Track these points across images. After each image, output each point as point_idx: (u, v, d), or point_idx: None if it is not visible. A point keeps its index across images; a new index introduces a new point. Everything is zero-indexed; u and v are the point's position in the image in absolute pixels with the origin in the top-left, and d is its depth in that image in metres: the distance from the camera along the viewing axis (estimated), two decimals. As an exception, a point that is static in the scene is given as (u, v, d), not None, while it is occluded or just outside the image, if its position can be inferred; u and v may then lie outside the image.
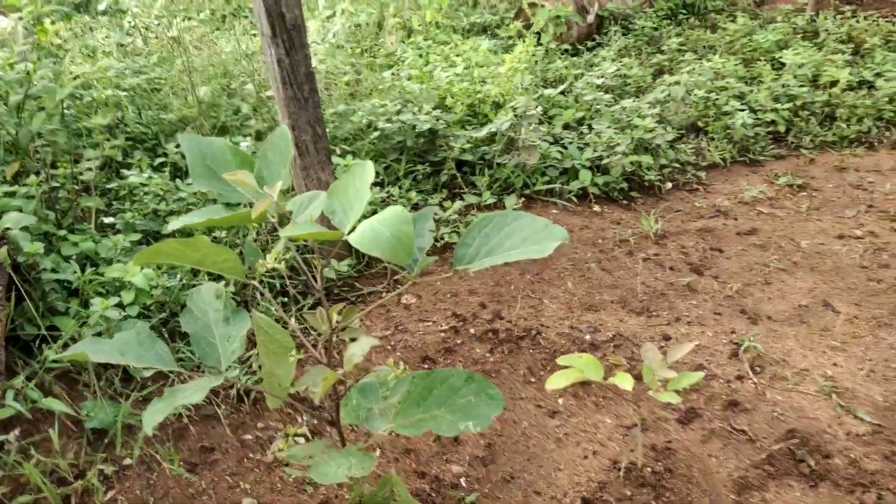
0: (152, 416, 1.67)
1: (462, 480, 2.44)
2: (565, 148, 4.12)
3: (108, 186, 3.59)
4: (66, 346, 2.59)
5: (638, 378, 2.89)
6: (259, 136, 3.86)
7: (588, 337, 3.02)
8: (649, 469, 2.48)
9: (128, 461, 2.43)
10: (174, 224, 1.74)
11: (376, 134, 3.83)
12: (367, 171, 1.65)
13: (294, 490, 2.40)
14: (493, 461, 2.54)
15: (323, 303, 1.88)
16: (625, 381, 2.31)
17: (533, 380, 2.90)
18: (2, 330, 2.48)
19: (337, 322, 1.95)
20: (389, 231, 1.52)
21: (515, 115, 3.74)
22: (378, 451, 2.60)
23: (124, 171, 3.59)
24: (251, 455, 2.53)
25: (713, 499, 2.31)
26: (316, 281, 1.84)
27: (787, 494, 2.30)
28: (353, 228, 1.54)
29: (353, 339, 2.06)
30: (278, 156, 1.86)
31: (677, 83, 4.46)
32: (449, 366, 2.94)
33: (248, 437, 2.63)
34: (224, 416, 2.67)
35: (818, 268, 3.52)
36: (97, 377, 2.62)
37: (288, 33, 2.99)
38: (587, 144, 4.17)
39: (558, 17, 5.77)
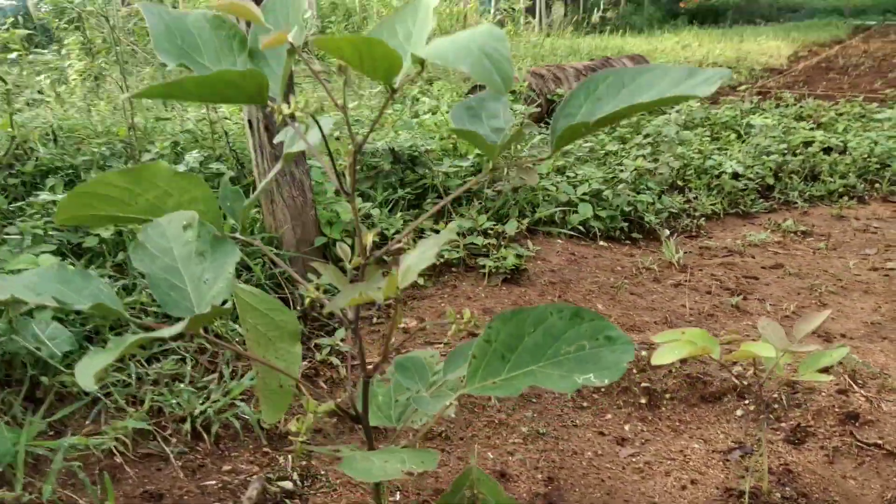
0: (92, 365, 0.95)
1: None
2: (556, 187, 3.63)
3: (11, 208, 2.82)
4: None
5: (710, 399, 2.27)
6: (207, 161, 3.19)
7: (644, 353, 2.39)
8: (778, 495, 1.82)
9: (32, 505, 1.59)
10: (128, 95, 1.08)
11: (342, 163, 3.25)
12: (427, 7, 1.05)
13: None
14: (561, 498, 1.83)
15: (355, 213, 1.23)
16: (765, 349, 1.70)
17: (585, 404, 2.23)
18: None
19: (371, 252, 1.27)
20: (478, 46, 0.90)
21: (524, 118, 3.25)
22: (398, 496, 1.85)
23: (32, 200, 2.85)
24: None
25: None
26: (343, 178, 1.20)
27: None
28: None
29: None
30: (286, 7, 1.22)
31: (667, 122, 4.11)
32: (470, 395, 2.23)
33: (212, 482, 1.82)
34: (175, 456, 1.87)
35: (871, 290, 3.05)
36: (-12, 396, 1.79)
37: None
38: (580, 182, 3.70)
39: (513, 91, 5.49)
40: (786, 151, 4.83)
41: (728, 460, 2.00)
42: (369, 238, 1.31)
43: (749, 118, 5.23)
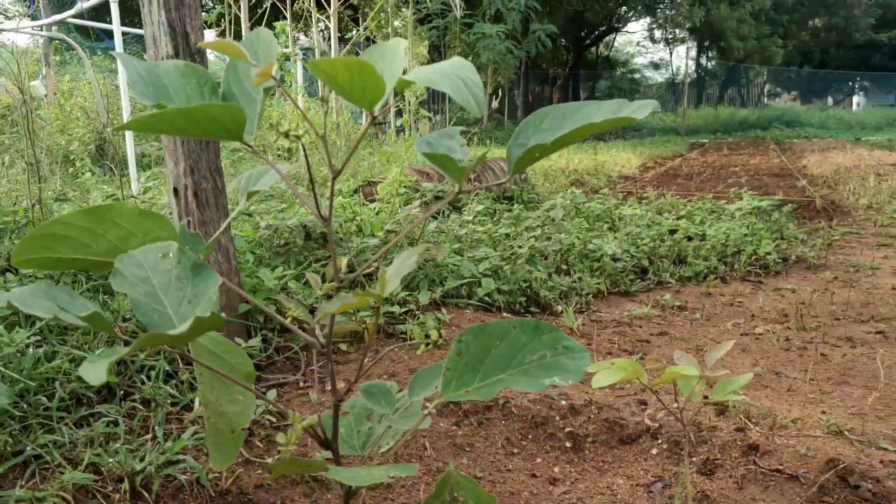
0: (98, 365, 1.02)
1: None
2: (458, 265, 3.82)
3: None
4: None
5: (627, 440, 2.43)
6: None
7: (564, 402, 2.54)
8: (702, 514, 1.98)
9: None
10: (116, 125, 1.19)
11: (260, 234, 3.30)
12: (399, 46, 1.24)
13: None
14: (506, 532, 1.91)
15: (330, 241, 1.35)
16: (688, 371, 1.89)
17: (516, 451, 2.34)
18: None
19: (343, 274, 1.39)
20: (456, 75, 1.10)
21: (424, 200, 3.43)
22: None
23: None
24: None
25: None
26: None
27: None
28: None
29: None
30: (259, 49, 1.35)
31: (553, 206, 4.44)
32: (408, 446, 2.30)
33: (157, 536, 1.78)
34: (114, 513, 1.81)
35: (747, 350, 3.38)
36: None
37: (192, 58, 2.55)
38: (479, 261, 3.91)
39: (406, 187, 5.72)
40: (655, 238, 5.30)
41: (651, 492, 2.15)
42: (344, 262, 1.42)
43: (620, 210, 5.70)
